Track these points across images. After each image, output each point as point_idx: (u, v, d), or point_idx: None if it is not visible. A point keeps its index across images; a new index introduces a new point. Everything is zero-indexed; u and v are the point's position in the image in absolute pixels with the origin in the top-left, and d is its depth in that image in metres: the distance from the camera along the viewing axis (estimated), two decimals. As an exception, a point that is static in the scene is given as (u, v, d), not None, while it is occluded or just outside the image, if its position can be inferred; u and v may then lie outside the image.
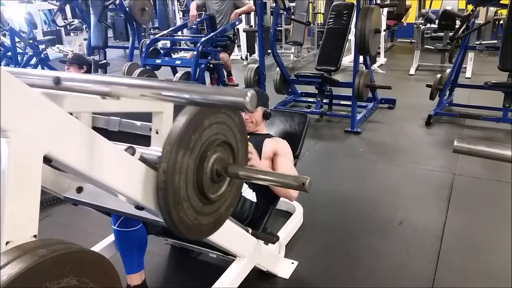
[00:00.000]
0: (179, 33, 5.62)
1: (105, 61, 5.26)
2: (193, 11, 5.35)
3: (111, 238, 1.88)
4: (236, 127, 1.22)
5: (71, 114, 0.86)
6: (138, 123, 1.25)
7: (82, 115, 1.02)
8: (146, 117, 1.18)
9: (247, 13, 5.33)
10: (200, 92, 0.82)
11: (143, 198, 1.02)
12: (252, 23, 7.73)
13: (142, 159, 1.01)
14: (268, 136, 2.10)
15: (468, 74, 5.97)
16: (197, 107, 1.02)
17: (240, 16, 5.68)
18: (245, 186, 1.82)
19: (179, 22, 8.88)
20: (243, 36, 7.68)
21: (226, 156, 1.16)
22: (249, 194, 1.85)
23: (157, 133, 1.13)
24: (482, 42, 6.54)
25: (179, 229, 1.06)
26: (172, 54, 6.03)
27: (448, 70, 4.44)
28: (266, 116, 2.11)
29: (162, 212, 1.03)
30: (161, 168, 0.99)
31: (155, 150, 1.09)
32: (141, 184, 1.01)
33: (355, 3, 4.07)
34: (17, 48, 6.30)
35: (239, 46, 7.92)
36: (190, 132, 1.02)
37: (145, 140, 1.16)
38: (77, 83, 0.93)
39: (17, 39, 6.25)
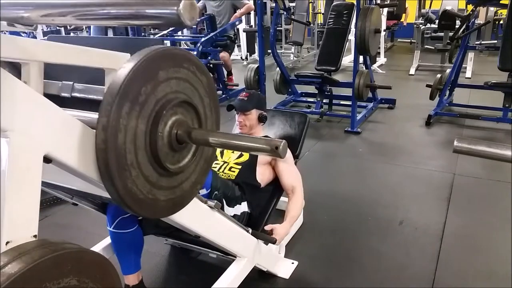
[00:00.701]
0: (179, 33, 5.62)
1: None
2: None
3: (111, 238, 1.88)
4: (203, 89, 1.02)
5: (12, 72, 0.73)
6: (92, 86, 1.08)
7: (32, 80, 0.89)
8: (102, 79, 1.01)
9: (247, 14, 5.31)
10: (121, 3, 0.69)
11: (80, 163, 0.84)
12: (252, 23, 7.74)
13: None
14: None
15: (468, 74, 5.97)
16: (148, 54, 0.85)
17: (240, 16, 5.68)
18: (232, 209, 1.79)
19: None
20: (243, 36, 7.68)
21: (190, 121, 0.98)
22: (239, 209, 1.83)
23: None
24: (482, 42, 6.54)
25: (126, 202, 0.87)
26: (172, 54, 6.02)
27: (448, 70, 4.44)
28: (261, 119, 2.07)
29: (103, 179, 0.85)
30: (100, 124, 0.80)
31: None
32: (76, 144, 0.83)
33: (355, 3, 4.07)
34: (17, 48, 6.30)
35: (239, 46, 7.93)
36: (140, 82, 0.83)
37: None
38: None
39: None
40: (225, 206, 1.75)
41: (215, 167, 1.95)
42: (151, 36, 5.56)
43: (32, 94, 0.76)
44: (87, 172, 0.86)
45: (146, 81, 0.85)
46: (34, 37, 6.83)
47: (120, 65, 0.85)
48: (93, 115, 0.87)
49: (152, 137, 0.89)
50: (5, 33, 0.86)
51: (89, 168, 0.86)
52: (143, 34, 6.69)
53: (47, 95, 0.81)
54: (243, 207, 1.85)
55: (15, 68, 0.94)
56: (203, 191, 1.59)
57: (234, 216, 1.78)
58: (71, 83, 1.09)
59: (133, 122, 0.85)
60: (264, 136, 2.11)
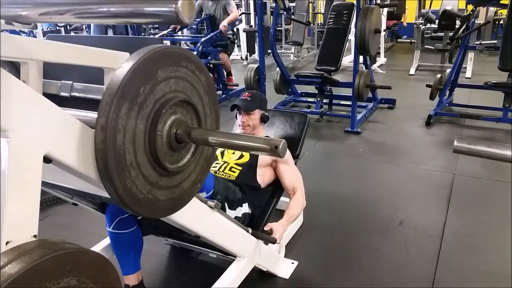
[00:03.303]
0: (179, 33, 5.62)
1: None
2: None
3: (111, 238, 1.88)
4: (203, 87, 1.00)
5: (11, 72, 0.73)
6: (92, 85, 1.07)
7: (31, 80, 0.88)
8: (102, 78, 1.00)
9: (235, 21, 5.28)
10: (117, 1, 0.69)
11: (79, 163, 0.83)
12: (252, 23, 7.73)
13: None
14: None
15: (468, 74, 5.97)
16: (147, 53, 0.84)
17: (240, 16, 5.68)
18: (233, 211, 1.79)
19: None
20: (243, 36, 7.68)
21: (189, 120, 0.97)
22: (240, 211, 1.84)
23: None
24: (482, 42, 6.54)
25: (125, 202, 0.87)
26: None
27: (448, 70, 4.44)
28: (264, 119, 2.08)
29: (103, 179, 0.84)
30: (99, 124, 0.79)
31: None
32: (76, 144, 0.82)
33: (355, 3, 4.07)
34: (17, 48, 6.30)
35: (239, 46, 7.93)
36: (138, 82, 0.83)
37: None
38: None
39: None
40: (227, 210, 1.75)
41: (216, 167, 1.96)
42: (151, 36, 5.56)
43: (32, 94, 0.76)
44: (86, 172, 0.85)
45: (144, 80, 0.84)
46: (34, 36, 6.83)
47: (119, 64, 0.84)
48: (93, 115, 0.86)
49: (151, 137, 0.88)
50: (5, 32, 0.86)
51: (88, 168, 0.85)
52: (143, 34, 6.70)
53: (46, 95, 0.81)
54: (244, 208, 1.85)
55: (15, 68, 0.94)
56: (203, 194, 1.59)
57: (235, 218, 1.78)
58: (70, 82, 1.08)
59: (132, 122, 0.84)
60: (265, 136, 2.12)
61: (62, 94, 1.08)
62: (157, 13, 0.67)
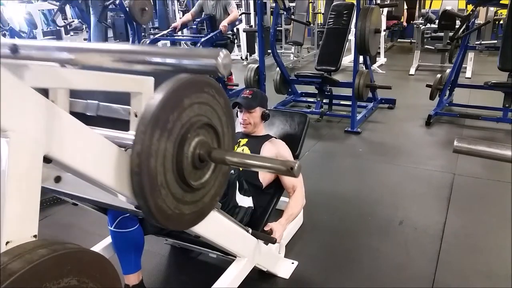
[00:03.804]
0: (179, 33, 5.62)
1: (105, 61, 5.27)
2: (177, 23, 5.38)
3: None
4: (221, 109, 1.10)
5: (37, 90, 0.79)
6: (117, 106, 1.15)
7: (59, 98, 0.94)
8: (127, 99, 1.09)
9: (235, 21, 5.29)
10: (164, 54, 0.76)
11: (117, 184, 0.94)
12: (252, 23, 7.73)
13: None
14: (267, 138, 2.09)
15: (468, 74, 5.97)
16: (175, 85, 0.93)
17: (240, 16, 5.67)
18: (240, 196, 1.82)
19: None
20: (243, 36, 7.68)
21: (210, 140, 1.07)
22: (245, 202, 1.85)
23: (136, 116, 1.04)
24: (482, 42, 6.54)
25: (157, 218, 0.97)
26: (172, 54, 6.02)
27: (448, 70, 4.44)
28: (264, 117, 2.11)
29: (137, 199, 0.94)
30: (135, 151, 0.89)
31: (134, 134, 0.97)
32: (113, 167, 0.92)
33: (355, 3, 4.07)
34: (17, 48, 6.30)
35: (239, 46, 7.93)
36: (168, 111, 0.92)
37: (126, 126, 1.09)
38: (37, 51, 0.85)
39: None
40: (237, 191, 1.79)
41: None
42: (151, 37, 5.56)
43: (32, 94, 0.76)
44: (122, 191, 0.96)
45: (173, 109, 0.94)
46: (34, 36, 6.84)
47: (145, 88, 0.99)
48: (112, 133, 1.00)
49: (178, 159, 0.98)
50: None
51: (123, 188, 0.95)
52: (143, 34, 6.71)
53: (72, 113, 0.88)
54: (249, 201, 1.86)
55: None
56: None
57: (241, 208, 1.79)
58: (96, 102, 1.17)
59: (162, 146, 0.93)
60: (265, 135, 2.12)
61: (88, 113, 1.17)
62: (199, 67, 0.75)
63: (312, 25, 7.97)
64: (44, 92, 0.91)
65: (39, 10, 8.46)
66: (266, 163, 0.99)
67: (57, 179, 1.19)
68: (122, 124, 1.10)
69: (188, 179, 1.01)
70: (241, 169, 1.91)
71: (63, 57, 0.84)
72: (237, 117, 2.12)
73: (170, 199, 0.99)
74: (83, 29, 7.89)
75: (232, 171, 1.74)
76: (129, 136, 1.01)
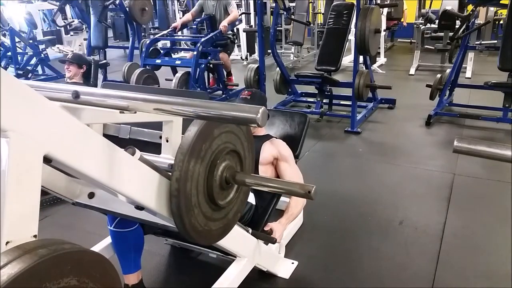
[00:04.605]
0: (179, 33, 5.62)
1: (105, 61, 5.27)
2: (177, 23, 5.38)
3: (111, 238, 1.88)
4: (244, 136, 1.26)
5: (88, 125, 0.90)
6: (147, 130, 1.30)
7: (95, 126, 1.07)
8: (155, 124, 1.22)
9: (235, 21, 5.29)
10: (214, 108, 0.85)
11: (156, 205, 1.07)
12: (252, 23, 7.73)
13: (143, 160, 1.03)
14: (267, 138, 2.09)
15: (468, 74, 5.97)
16: None
17: (240, 16, 5.67)
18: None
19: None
20: (243, 36, 7.68)
21: (234, 164, 1.21)
22: (249, 198, 1.85)
23: (167, 141, 1.18)
24: (482, 42, 6.53)
25: (190, 235, 1.11)
26: (172, 54, 6.04)
27: (448, 70, 4.44)
28: None
29: (175, 218, 1.07)
30: (174, 177, 1.03)
31: (165, 157, 1.15)
32: (155, 191, 1.05)
33: (355, 3, 4.07)
34: (17, 48, 6.31)
35: (239, 46, 7.92)
36: (201, 141, 1.06)
37: (154, 147, 1.21)
38: (96, 98, 0.96)
39: (17, 39, 6.26)
40: None
41: None
42: (151, 37, 5.55)
43: (32, 94, 0.76)
44: (160, 211, 1.09)
45: (205, 139, 1.08)
46: (35, 36, 6.83)
47: (175, 117, 1.14)
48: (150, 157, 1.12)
49: (209, 182, 1.12)
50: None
51: (162, 209, 1.09)
52: (143, 34, 6.71)
53: (106, 135, 1.00)
54: (252, 198, 1.86)
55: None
56: None
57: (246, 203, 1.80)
58: (129, 126, 1.31)
59: (196, 172, 1.07)
60: (266, 135, 2.12)
61: (121, 136, 1.32)
62: (242, 120, 0.83)
63: (312, 25, 7.97)
64: None
65: (39, 10, 8.47)
66: (285, 186, 1.17)
67: (91, 195, 1.39)
68: (148, 146, 1.25)
69: (216, 199, 1.15)
70: None
71: (119, 104, 0.94)
72: None
73: (201, 217, 1.13)
74: (83, 29, 7.89)
75: None
76: (160, 159, 1.16)
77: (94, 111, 0.97)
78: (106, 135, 1.07)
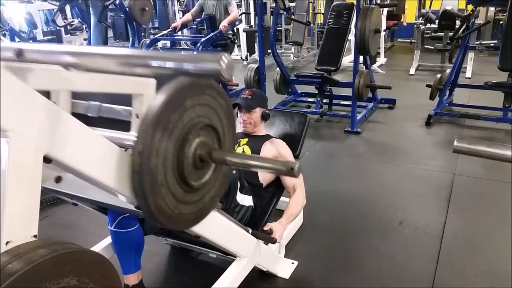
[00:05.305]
0: (179, 33, 5.62)
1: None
2: (177, 23, 5.38)
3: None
4: (223, 111, 1.12)
5: (40, 92, 0.80)
6: (118, 107, 1.17)
7: (61, 100, 0.96)
8: (128, 100, 1.10)
9: (235, 21, 5.29)
10: (167, 58, 0.77)
11: (116, 183, 0.95)
12: (252, 23, 7.73)
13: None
14: (267, 138, 2.09)
15: (468, 74, 5.97)
16: (177, 86, 0.95)
17: (240, 16, 5.67)
18: (241, 196, 1.82)
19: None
20: (243, 36, 7.68)
21: (211, 141, 1.08)
22: (246, 201, 1.85)
23: (137, 117, 1.06)
24: (482, 42, 6.54)
25: (156, 218, 0.98)
26: (172, 54, 6.03)
27: (448, 70, 4.44)
28: (264, 117, 2.11)
29: (138, 198, 0.95)
30: (136, 150, 0.91)
31: (135, 135, 0.98)
32: (114, 167, 0.93)
33: (355, 3, 4.07)
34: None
35: (239, 46, 7.92)
36: (169, 112, 0.94)
37: (127, 126, 1.11)
38: (41, 55, 0.86)
39: (17, 39, 6.26)
40: (238, 191, 1.79)
41: None
42: (151, 37, 5.56)
43: (32, 94, 0.76)
44: (122, 191, 0.96)
45: (175, 109, 0.95)
46: (35, 36, 6.84)
47: (147, 90, 1.00)
48: (116, 135, 1.01)
49: (179, 159, 0.99)
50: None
51: (123, 188, 0.96)
52: (143, 34, 6.70)
53: (74, 115, 0.89)
54: (250, 200, 1.86)
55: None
56: None
57: (242, 207, 1.79)
58: (98, 103, 1.18)
59: (164, 146, 0.94)
60: (266, 135, 2.12)
61: (90, 114, 1.19)
62: (202, 71, 0.76)
63: (312, 25, 7.97)
64: (46, 94, 0.92)
65: (39, 10, 8.46)
66: (267, 164, 1.01)
67: (58, 179, 1.23)
68: (123, 126, 1.11)
69: (188, 179, 1.02)
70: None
71: (66, 61, 0.85)
72: (237, 117, 2.12)
73: (170, 199, 1.00)
74: (83, 29, 7.88)
75: (234, 172, 1.74)
76: (129, 136, 1.03)
77: (42, 73, 0.84)
78: (74, 114, 0.94)
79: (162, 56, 0.79)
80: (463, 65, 4.94)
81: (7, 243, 0.72)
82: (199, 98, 1.02)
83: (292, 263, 2.04)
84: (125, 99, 1.12)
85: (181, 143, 0.98)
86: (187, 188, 1.04)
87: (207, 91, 1.05)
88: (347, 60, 6.43)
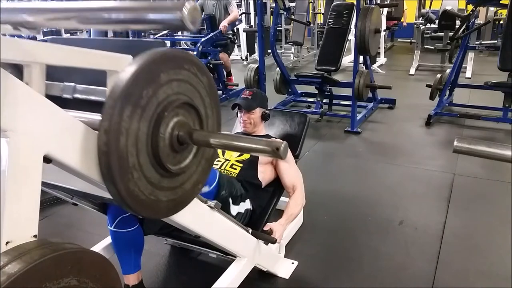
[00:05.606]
0: (179, 33, 5.62)
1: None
2: None
3: (111, 238, 1.88)
4: (204, 89, 1.01)
5: (11, 68, 0.76)
6: (93, 87, 1.08)
7: (34, 82, 0.89)
8: (104, 80, 1.01)
9: (235, 21, 5.28)
10: (123, 8, 0.71)
11: (82, 165, 0.85)
12: (252, 23, 7.73)
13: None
14: (267, 138, 2.09)
15: (468, 74, 5.97)
16: (149, 58, 0.85)
17: (240, 16, 5.67)
18: (236, 207, 1.79)
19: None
20: (243, 36, 7.69)
21: (191, 122, 0.98)
22: (242, 208, 1.84)
23: None
24: (482, 42, 6.54)
25: (128, 204, 0.88)
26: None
27: (448, 70, 4.44)
28: (264, 117, 2.11)
29: (105, 181, 0.85)
30: (102, 128, 0.80)
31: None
32: (78, 146, 0.84)
33: (355, 3, 4.07)
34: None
35: (239, 46, 7.92)
36: (141, 86, 0.84)
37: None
38: None
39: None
40: (231, 205, 1.76)
41: (217, 164, 1.96)
42: (151, 37, 5.56)
43: (32, 94, 0.76)
44: (89, 173, 0.86)
45: (147, 84, 0.85)
46: (35, 37, 6.84)
47: (122, 67, 0.85)
48: (96, 117, 0.88)
49: (153, 139, 0.89)
50: (5, 34, 0.86)
51: (91, 170, 0.86)
52: (143, 34, 6.70)
53: (49, 96, 0.81)
54: (246, 204, 1.86)
55: (17, 69, 0.95)
56: (205, 189, 1.59)
57: (238, 213, 1.78)
58: (73, 84, 1.09)
59: (135, 125, 0.85)
60: (266, 135, 2.12)
61: (65, 96, 1.09)
62: (162, 21, 0.68)
63: (312, 25, 7.98)
64: (19, 72, 0.87)
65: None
66: (252, 145, 0.92)
67: None
68: (96, 107, 1.00)
69: (165, 162, 0.92)
70: (237, 171, 1.91)
71: (16, 19, 0.78)
72: (237, 117, 2.13)
73: (144, 184, 0.90)
74: (83, 29, 7.88)
75: (224, 191, 1.69)
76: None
77: (7, 44, 0.77)
78: (48, 96, 0.85)
79: (117, 7, 0.71)
80: (463, 65, 4.94)
81: (7, 243, 0.72)
82: (176, 73, 0.92)
83: (292, 263, 2.04)
84: (103, 80, 1.02)
85: (156, 122, 0.89)
86: (164, 172, 0.95)
87: (186, 66, 0.95)
88: (347, 60, 6.44)
